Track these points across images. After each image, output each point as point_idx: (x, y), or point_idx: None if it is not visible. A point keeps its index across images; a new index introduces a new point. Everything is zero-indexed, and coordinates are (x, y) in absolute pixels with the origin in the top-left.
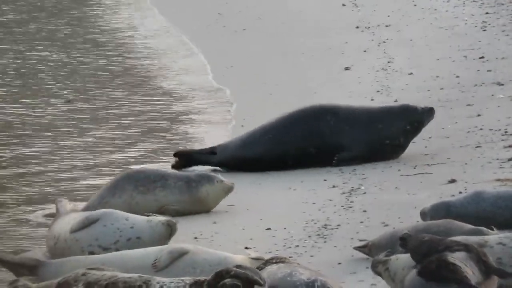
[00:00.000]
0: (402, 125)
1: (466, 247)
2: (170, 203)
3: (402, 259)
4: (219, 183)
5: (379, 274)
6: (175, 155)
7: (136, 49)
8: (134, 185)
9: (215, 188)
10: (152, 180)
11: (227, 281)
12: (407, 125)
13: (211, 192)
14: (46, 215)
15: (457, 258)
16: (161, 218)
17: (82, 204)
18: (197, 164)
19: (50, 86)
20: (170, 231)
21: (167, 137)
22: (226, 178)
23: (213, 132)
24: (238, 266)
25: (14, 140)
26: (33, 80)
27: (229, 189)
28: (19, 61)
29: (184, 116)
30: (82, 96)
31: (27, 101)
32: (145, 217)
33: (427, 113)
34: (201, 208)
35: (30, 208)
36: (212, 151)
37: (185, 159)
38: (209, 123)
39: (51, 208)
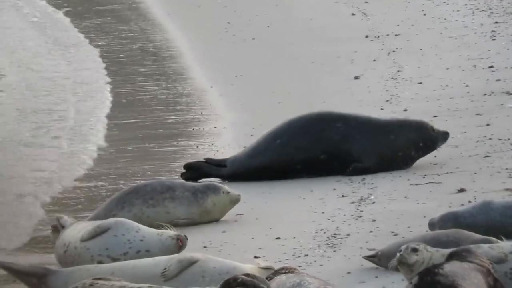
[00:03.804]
0: (415, 139)
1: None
2: (180, 216)
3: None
4: (225, 194)
5: (401, 268)
6: (185, 167)
7: (146, 56)
8: (143, 199)
9: (221, 199)
10: (160, 191)
11: None
12: (421, 141)
13: (217, 202)
14: (52, 227)
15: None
16: (171, 232)
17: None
18: (207, 176)
19: None
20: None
21: (176, 145)
22: (233, 188)
23: (222, 141)
24: (246, 275)
25: None
26: None
27: (235, 200)
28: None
29: (192, 126)
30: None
31: None
32: (156, 230)
33: (442, 136)
34: (208, 218)
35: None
36: (221, 163)
37: (195, 171)
38: (217, 132)
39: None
